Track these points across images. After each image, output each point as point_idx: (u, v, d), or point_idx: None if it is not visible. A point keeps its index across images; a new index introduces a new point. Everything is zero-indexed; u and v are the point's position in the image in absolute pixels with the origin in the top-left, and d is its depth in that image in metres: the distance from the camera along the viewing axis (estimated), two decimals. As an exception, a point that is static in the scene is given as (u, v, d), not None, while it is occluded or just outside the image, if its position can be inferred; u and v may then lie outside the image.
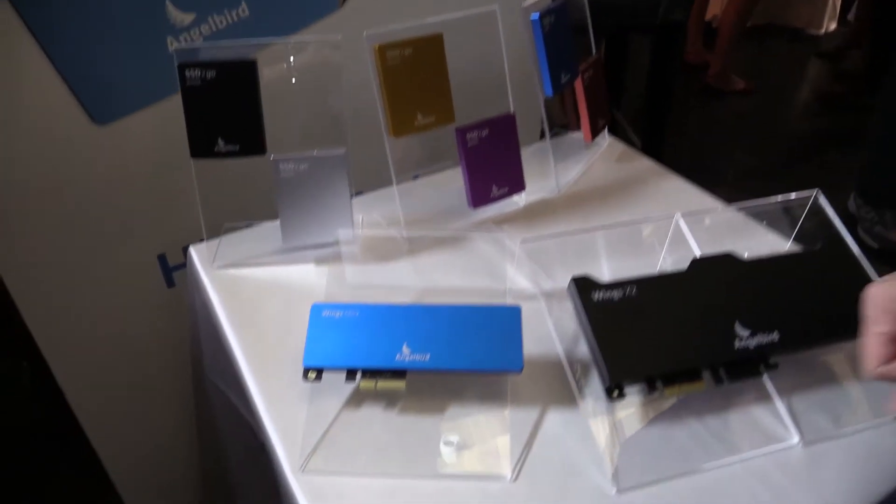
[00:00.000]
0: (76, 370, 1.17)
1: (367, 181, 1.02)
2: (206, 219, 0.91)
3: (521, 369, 0.67)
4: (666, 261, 0.83)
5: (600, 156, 1.11)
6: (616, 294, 0.70)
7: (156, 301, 1.20)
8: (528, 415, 0.70)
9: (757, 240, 0.90)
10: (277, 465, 0.68)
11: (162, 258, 1.17)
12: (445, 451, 0.67)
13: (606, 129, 1.14)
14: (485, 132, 0.91)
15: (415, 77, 0.87)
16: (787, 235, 0.89)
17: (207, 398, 1.04)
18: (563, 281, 0.74)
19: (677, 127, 2.82)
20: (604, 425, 0.69)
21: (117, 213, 1.08)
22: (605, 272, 0.70)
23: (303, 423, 0.69)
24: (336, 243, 0.87)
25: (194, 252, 0.93)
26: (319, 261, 0.90)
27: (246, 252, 0.92)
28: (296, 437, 0.68)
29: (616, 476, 0.65)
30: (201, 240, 0.94)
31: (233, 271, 0.90)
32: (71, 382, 1.18)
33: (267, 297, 0.86)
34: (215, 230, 0.95)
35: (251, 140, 0.84)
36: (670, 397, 0.68)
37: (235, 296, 0.86)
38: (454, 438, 0.68)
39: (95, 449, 1.27)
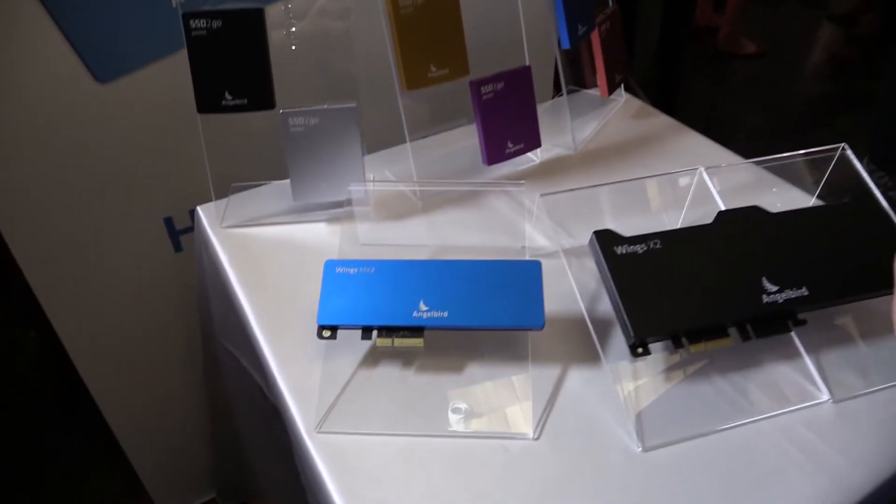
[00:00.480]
0: (84, 337, 1.16)
1: (375, 146, 0.99)
2: (214, 178, 0.89)
3: (542, 326, 0.65)
4: (688, 216, 0.81)
5: (617, 112, 1.08)
6: (640, 248, 0.67)
7: (163, 266, 1.18)
8: (549, 373, 0.68)
9: (780, 196, 0.87)
10: (292, 426, 0.66)
11: (168, 221, 1.15)
12: (454, 418, 0.65)
13: (623, 86, 1.10)
14: (500, 85, 0.88)
15: (428, 27, 0.84)
16: (810, 192, 0.87)
17: (217, 363, 1.02)
18: (583, 238, 0.72)
19: (687, 90, 2.77)
20: (628, 383, 0.67)
21: (122, 174, 1.05)
22: (627, 228, 0.68)
23: (317, 382, 0.67)
24: (347, 201, 0.84)
25: (202, 212, 0.91)
26: (331, 219, 0.88)
27: (255, 211, 0.90)
28: (310, 398, 0.67)
29: (641, 434, 0.63)
30: (209, 200, 0.92)
31: (242, 230, 0.88)
32: (79, 350, 1.17)
33: (277, 257, 0.84)
34: (223, 190, 0.93)
35: (259, 93, 0.81)
36: (696, 354, 0.66)
37: (245, 255, 0.84)
38: (462, 405, 0.66)
39: (105, 417, 1.26)
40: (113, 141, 1.02)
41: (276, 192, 0.91)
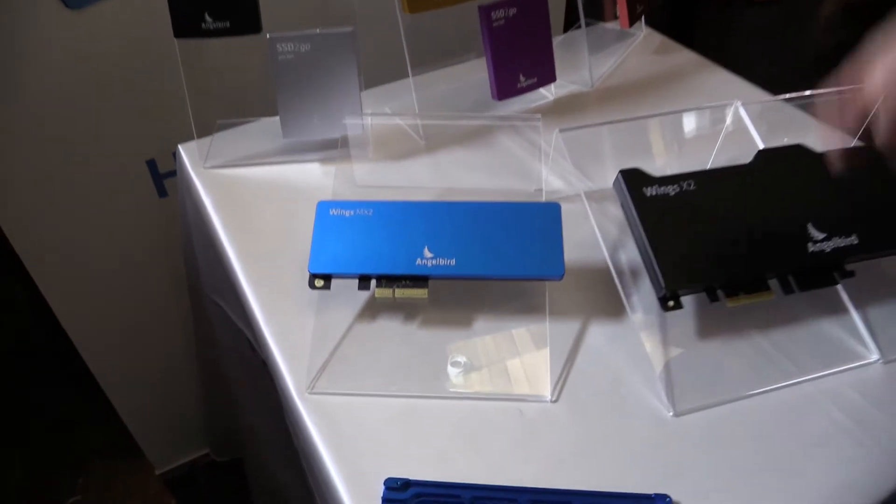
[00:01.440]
0: (66, 290, 1.10)
1: (373, 82, 0.91)
2: (196, 114, 0.81)
3: (561, 275, 0.58)
4: (720, 157, 0.73)
5: (637, 47, 1.00)
6: (671, 189, 0.60)
7: (147, 212, 1.11)
8: (569, 328, 0.61)
9: (819, 137, 0.79)
10: (282, 387, 0.59)
11: (151, 164, 1.07)
12: (453, 372, 0.59)
13: (643, 19, 1.01)
14: (512, 11, 0.79)
15: (433, -59, 0.75)
16: (851, 133, 0.78)
17: (204, 315, 0.96)
18: (603, 181, 0.65)
19: (698, 38, 2.67)
20: (657, 340, 0.60)
21: (98, 112, 0.97)
22: (653, 170, 0.61)
23: (309, 337, 0.60)
24: (343, 138, 0.76)
25: (184, 151, 0.83)
26: (325, 159, 0.80)
27: (242, 150, 0.82)
28: (302, 355, 0.60)
29: (671, 397, 0.56)
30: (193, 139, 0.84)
31: (227, 171, 0.80)
32: (61, 302, 1.11)
33: (266, 200, 0.76)
34: (208, 128, 0.85)
35: (244, 15, 0.73)
36: (733, 308, 0.59)
37: (231, 198, 0.76)
38: (461, 359, 0.60)
39: (91, 370, 1.21)
40: (87, 75, 0.94)
41: (264, 130, 0.83)
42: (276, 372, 0.60)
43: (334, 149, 0.79)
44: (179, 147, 0.84)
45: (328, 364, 0.59)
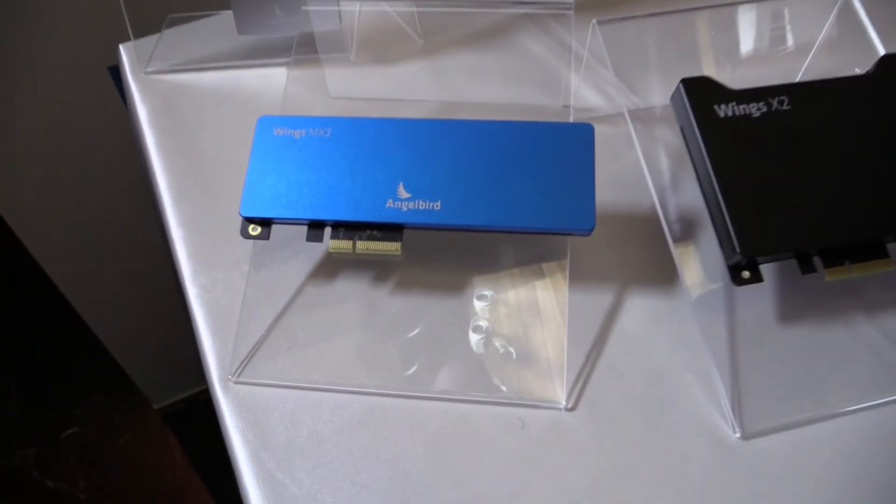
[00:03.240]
0: (33, 217, 0.98)
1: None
2: (145, 4, 0.64)
3: (590, 229, 0.40)
4: (816, 65, 0.54)
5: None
6: (755, 108, 0.42)
7: (114, 128, 0.95)
8: (597, 304, 0.44)
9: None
10: (204, 370, 0.44)
11: (114, 71, 0.91)
12: (474, 338, 0.43)
13: None
14: None
15: None
16: None
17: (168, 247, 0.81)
18: (655, 96, 0.47)
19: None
20: (722, 326, 0.43)
21: (49, 8, 0.81)
22: (727, 80, 0.43)
23: (239, 304, 0.45)
24: (304, 34, 0.58)
25: (123, 53, 0.66)
26: (294, 63, 0.62)
27: (191, 51, 0.64)
28: (231, 327, 0.44)
29: (739, 410, 0.39)
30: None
31: (172, 77, 0.63)
32: (28, 230, 0.98)
33: (213, 115, 0.59)
34: (157, 24, 0.68)
35: None
36: (834, 283, 0.41)
37: (169, 112, 0.60)
38: (484, 324, 0.43)
39: (74, 306, 1.12)
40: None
41: (222, 26, 0.66)
42: (200, 349, 0.45)
43: (309, 50, 0.61)
44: (120, 47, 0.67)
45: (262, 344, 0.43)
